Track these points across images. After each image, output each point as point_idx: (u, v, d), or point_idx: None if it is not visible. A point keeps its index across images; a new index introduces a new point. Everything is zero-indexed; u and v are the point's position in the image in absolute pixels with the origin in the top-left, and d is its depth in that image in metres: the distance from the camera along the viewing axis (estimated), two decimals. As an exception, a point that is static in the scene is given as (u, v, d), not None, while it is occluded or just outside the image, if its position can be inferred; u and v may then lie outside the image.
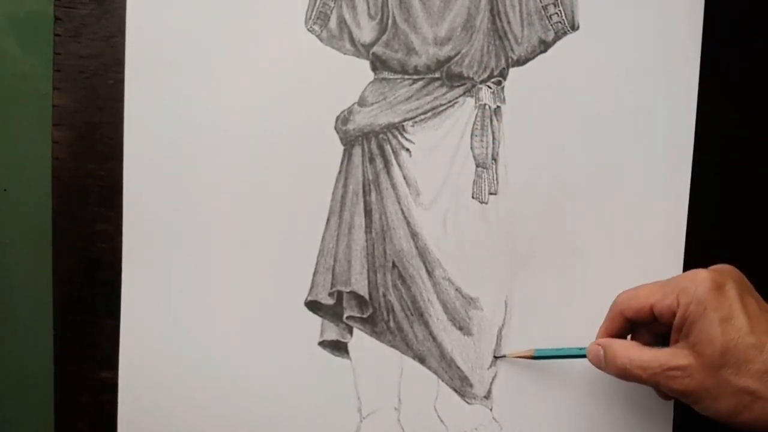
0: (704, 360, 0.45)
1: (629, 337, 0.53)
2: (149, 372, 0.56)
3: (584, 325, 0.55)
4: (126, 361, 0.56)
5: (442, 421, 0.56)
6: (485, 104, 0.55)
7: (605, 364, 0.51)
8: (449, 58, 0.55)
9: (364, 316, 0.56)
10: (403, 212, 0.56)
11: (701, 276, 0.47)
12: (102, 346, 0.57)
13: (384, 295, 0.56)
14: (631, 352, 0.49)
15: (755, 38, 0.56)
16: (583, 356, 0.53)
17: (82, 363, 0.57)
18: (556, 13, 0.54)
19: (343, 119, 0.55)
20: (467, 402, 0.56)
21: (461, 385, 0.56)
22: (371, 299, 0.56)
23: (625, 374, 0.49)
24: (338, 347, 0.56)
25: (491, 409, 0.56)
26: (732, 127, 0.56)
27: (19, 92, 0.70)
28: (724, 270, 0.48)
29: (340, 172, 0.55)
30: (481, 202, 0.55)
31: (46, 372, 0.58)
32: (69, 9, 0.55)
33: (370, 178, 0.55)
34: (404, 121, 0.55)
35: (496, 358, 0.56)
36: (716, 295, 0.46)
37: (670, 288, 0.48)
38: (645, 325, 0.51)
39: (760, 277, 0.49)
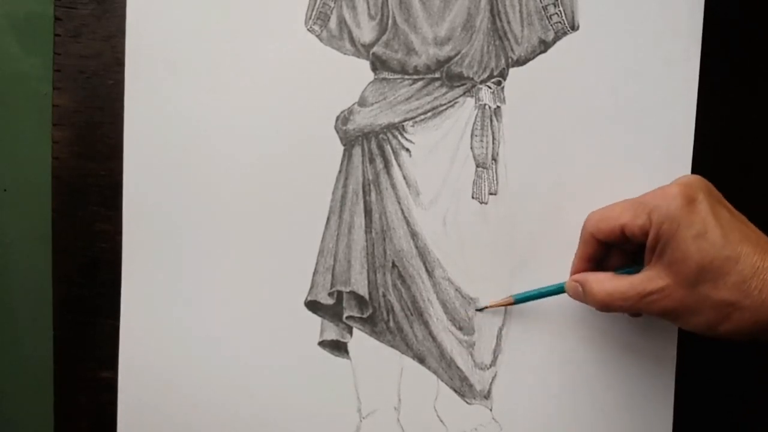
0: (681, 278, 0.45)
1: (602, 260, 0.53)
2: (149, 372, 0.56)
3: (585, 324, 0.55)
4: (126, 361, 0.56)
5: (441, 421, 0.56)
6: (485, 104, 0.55)
7: (586, 299, 0.50)
8: (449, 58, 0.55)
9: (364, 316, 0.56)
10: (403, 212, 0.55)
11: (672, 192, 0.46)
12: (102, 346, 0.57)
13: (384, 295, 0.56)
14: (606, 285, 0.49)
15: (755, 38, 0.56)
16: (562, 292, 0.53)
17: (82, 363, 0.57)
18: (556, 13, 0.54)
19: (343, 119, 0.55)
20: (467, 402, 0.56)
21: (461, 385, 0.56)
22: (371, 299, 0.56)
23: (607, 308, 0.49)
24: (338, 347, 0.56)
25: (491, 409, 0.56)
26: (732, 127, 0.56)
27: (19, 92, 0.70)
28: (693, 183, 0.47)
29: (340, 172, 0.55)
30: (481, 202, 0.55)
31: (46, 371, 0.58)
32: (69, 9, 0.55)
33: (370, 178, 0.55)
34: (404, 121, 0.55)
35: (477, 310, 0.56)
36: (688, 210, 0.45)
37: (642, 207, 0.48)
38: (618, 245, 0.51)
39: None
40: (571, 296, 0.52)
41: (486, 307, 0.55)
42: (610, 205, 0.51)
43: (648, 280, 0.47)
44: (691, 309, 0.45)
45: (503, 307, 0.55)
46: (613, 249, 0.52)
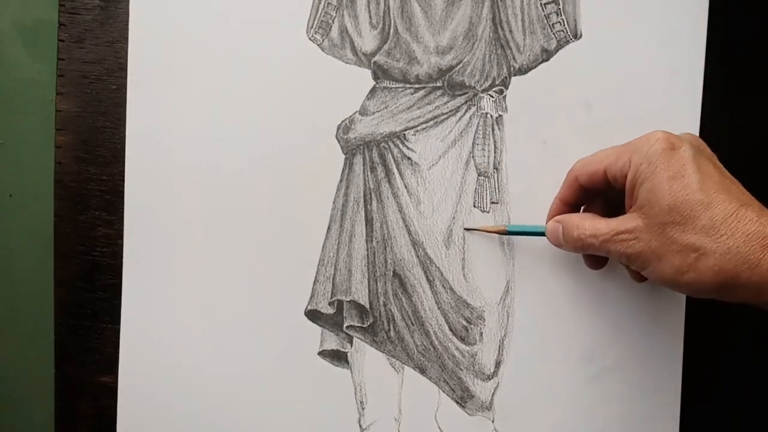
0: (651, 220, 0.44)
1: (582, 209, 0.52)
2: (149, 377, 0.56)
3: (589, 333, 0.55)
4: (126, 366, 0.56)
5: (442, 432, 0.56)
6: (487, 113, 0.55)
7: (563, 239, 0.50)
8: (451, 67, 0.55)
9: (365, 325, 0.56)
10: (404, 221, 0.55)
11: (656, 136, 0.46)
12: (102, 351, 0.57)
13: (384, 305, 0.55)
14: (585, 222, 0.48)
15: (760, 45, 0.56)
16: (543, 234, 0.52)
17: (82, 367, 0.57)
18: (559, 22, 0.54)
19: (345, 128, 0.55)
20: (468, 413, 0.56)
21: (462, 396, 0.56)
22: (372, 308, 0.56)
23: (580, 245, 0.48)
24: (338, 357, 0.56)
25: (493, 421, 0.56)
26: (736, 135, 0.56)
27: (26, 98, 0.71)
28: (682, 135, 0.47)
29: (341, 180, 0.55)
30: (483, 211, 0.55)
31: (47, 376, 0.58)
32: (73, 15, 0.55)
33: (371, 186, 0.55)
34: (406, 130, 0.55)
35: (466, 230, 0.55)
36: (669, 155, 0.45)
37: (624, 150, 0.47)
38: (601, 193, 0.51)
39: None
40: (549, 239, 0.52)
41: (475, 229, 0.55)
42: (598, 151, 0.51)
43: (622, 221, 0.46)
44: (657, 253, 0.44)
45: (505, 316, 0.55)
46: (595, 198, 0.52)
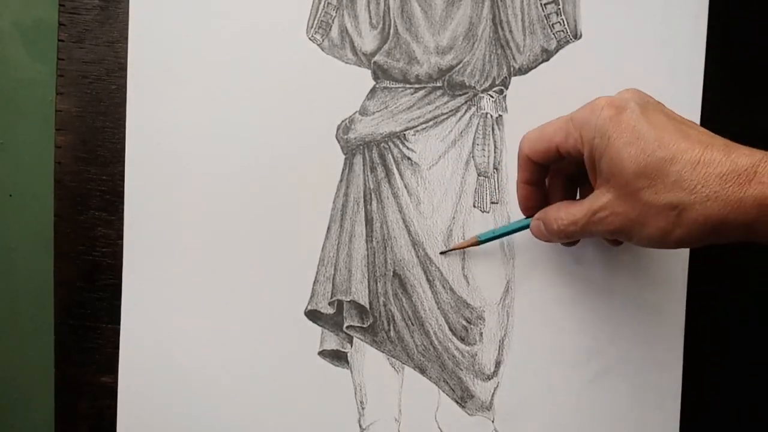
0: (621, 190, 0.43)
1: (547, 181, 0.51)
2: (149, 377, 0.56)
3: (588, 333, 0.55)
4: (126, 366, 0.56)
5: (442, 432, 0.56)
6: (487, 113, 0.55)
7: (547, 234, 0.49)
8: (451, 67, 0.55)
9: (365, 325, 0.56)
10: (404, 221, 0.55)
11: (600, 104, 0.44)
12: (102, 351, 0.57)
13: (384, 305, 0.55)
14: (560, 212, 0.47)
15: (760, 46, 0.55)
16: (526, 227, 0.51)
17: (82, 367, 0.57)
18: (559, 22, 0.54)
19: (345, 128, 0.55)
20: (468, 413, 0.56)
21: (462, 396, 0.56)
22: (372, 308, 0.56)
23: (564, 235, 0.48)
24: (338, 357, 0.56)
25: (493, 421, 0.56)
26: (736, 135, 0.55)
27: (26, 98, 0.71)
28: (623, 94, 0.45)
29: (341, 180, 0.55)
30: (483, 211, 0.55)
31: (47, 376, 0.58)
32: (73, 15, 0.55)
33: (371, 186, 0.55)
34: (406, 130, 0.55)
35: (441, 254, 0.55)
36: (617, 120, 0.43)
37: (573, 124, 0.46)
38: (558, 164, 0.50)
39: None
40: (535, 236, 0.51)
41: (449, 250, 0.55)
42: (543, 124, 0.49)
43: (593, 199, 0.45)
44: (638, 221, 0.43)
45: (505, 316, 0.55)
46: (562, 166, 0.51)
